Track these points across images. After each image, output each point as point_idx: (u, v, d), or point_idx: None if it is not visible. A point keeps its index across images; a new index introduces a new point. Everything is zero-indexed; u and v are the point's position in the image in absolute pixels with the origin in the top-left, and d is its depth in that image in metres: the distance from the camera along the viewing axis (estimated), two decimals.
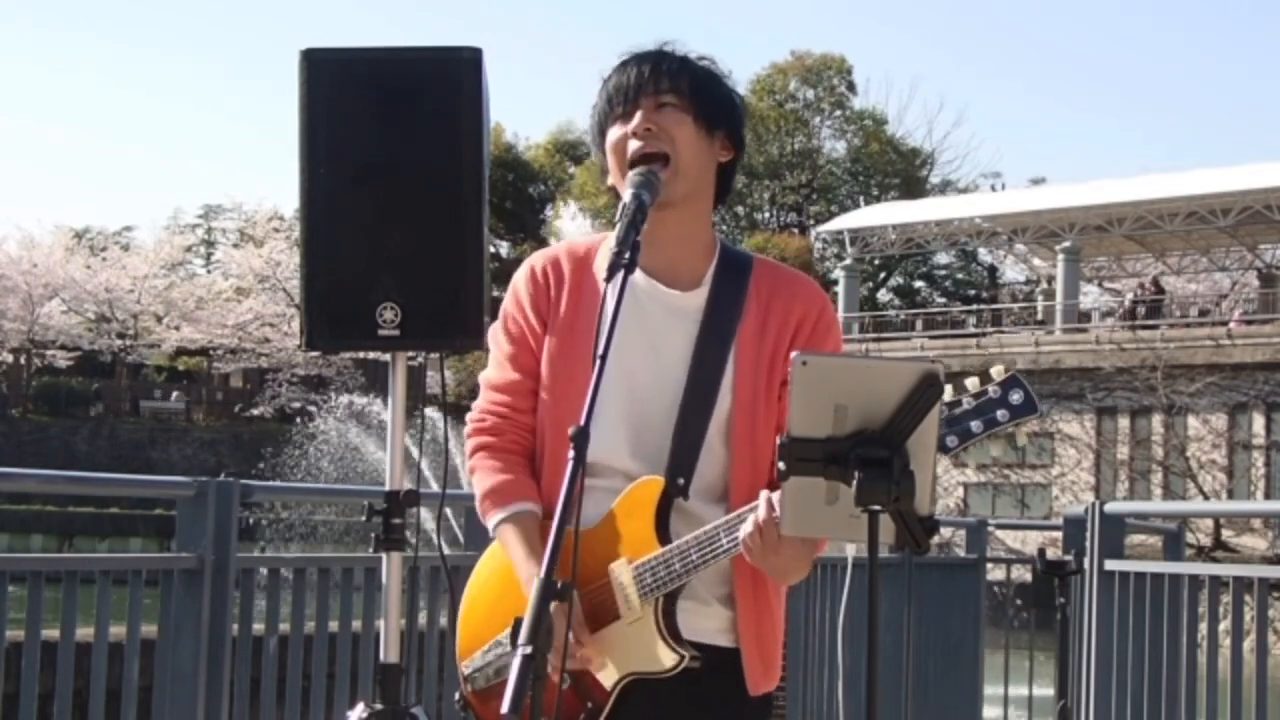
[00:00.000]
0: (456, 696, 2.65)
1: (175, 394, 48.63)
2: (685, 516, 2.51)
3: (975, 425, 2.48)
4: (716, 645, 2.54)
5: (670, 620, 2.47)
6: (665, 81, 2.57)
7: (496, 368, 2.68)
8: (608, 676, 2.49)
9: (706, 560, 2.44)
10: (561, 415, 2.55)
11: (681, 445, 2.52)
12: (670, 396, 2.55)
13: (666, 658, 2.46)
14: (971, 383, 2.51)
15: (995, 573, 7.77)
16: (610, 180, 2.63)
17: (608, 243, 2.55)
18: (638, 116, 2.56)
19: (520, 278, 2.67)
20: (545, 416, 2.61)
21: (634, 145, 2.55)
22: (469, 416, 2.69)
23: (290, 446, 31.03)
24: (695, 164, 2.58)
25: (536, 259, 2.70)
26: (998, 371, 2.51)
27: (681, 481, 2.51)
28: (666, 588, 2.46)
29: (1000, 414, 2.49)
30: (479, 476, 2.64)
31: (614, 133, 2.59)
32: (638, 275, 2.53)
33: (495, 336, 2.70)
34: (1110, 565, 5.19)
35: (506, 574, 2.58)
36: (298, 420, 34.62)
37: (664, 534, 2.49)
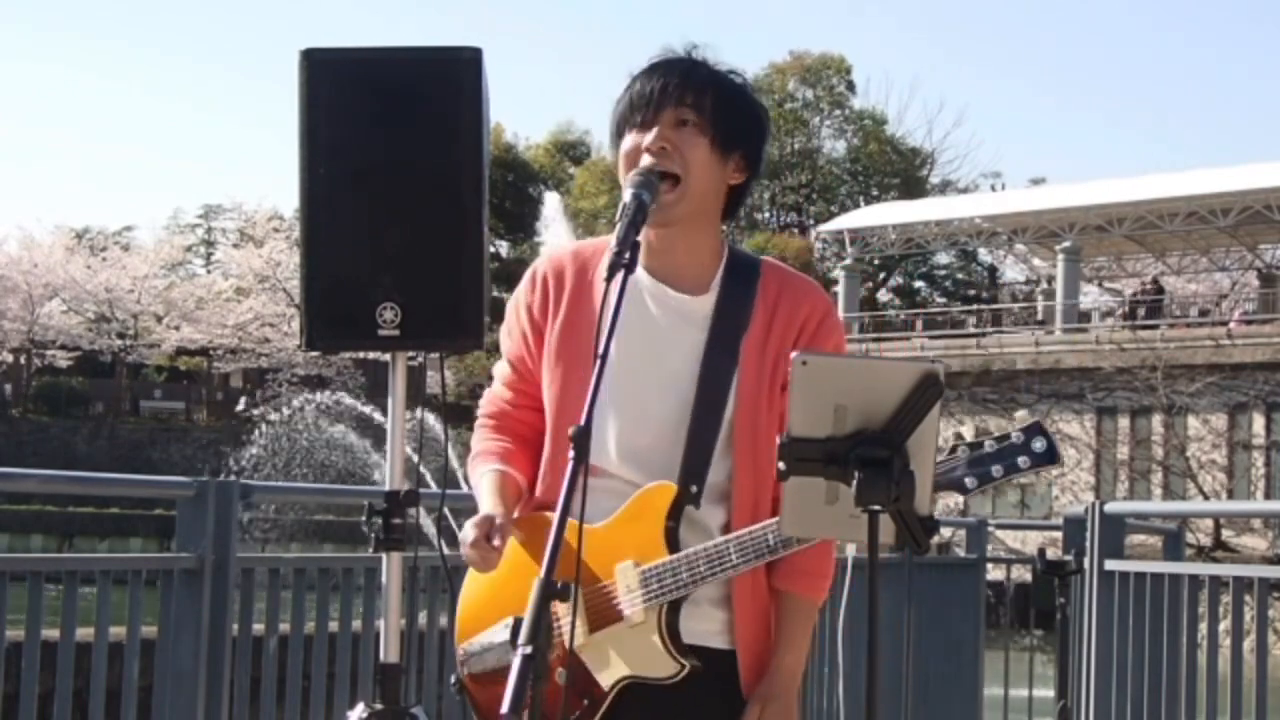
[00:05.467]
0: (453, 679, 2.63)
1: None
2: (689, 522, 2.51)
3: (996, 469, 2.52)
4: (711, 647, 2.54)
5: (673, 628, 2.48)
6: (689, 96, 2.54)
7: (502, 365, 2.73)
8: (607, 676, 2.49)
9: (715, 574, 2.46)
10: (562, 415, 2.55)
11: (693, 452, 2.52)
12: (676, 402, 2.54)
13: (667, 666, 2.47)
14: (998, 426, 2.55)
15: (995, 573, 7.76)
16: (621, 180, 2.62)
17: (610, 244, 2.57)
18: (654, 132, 2.53)
19: (524, 280, 2.69)
20: (548, 417, 2.62)
21: (646, 160, 2.52)
22: (481, 400, 2.73)
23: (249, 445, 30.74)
24: (704, 187, 2.56)
25: (540, 262, 2.71)
26: (1023, 416, 2.57)
27: (694, 490, 2.51)
28: (671, 596, 2.46)
29: (1021, 460, 2.54)
30: (477, 438, 2.68)
31: (629, 140, 2.57)
32: (644, 278, 2.56)
33: (502, 334, 2.73)
34: (1110, 565, 5.18)
35: (511, 559, 2.55)
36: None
37: (673, 541, 2.48)
